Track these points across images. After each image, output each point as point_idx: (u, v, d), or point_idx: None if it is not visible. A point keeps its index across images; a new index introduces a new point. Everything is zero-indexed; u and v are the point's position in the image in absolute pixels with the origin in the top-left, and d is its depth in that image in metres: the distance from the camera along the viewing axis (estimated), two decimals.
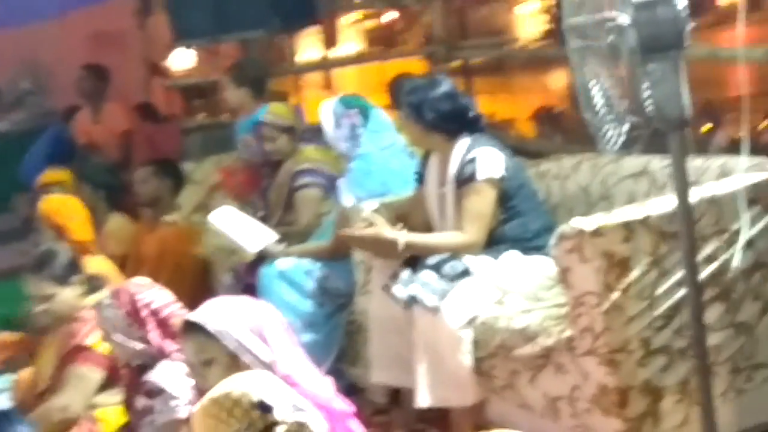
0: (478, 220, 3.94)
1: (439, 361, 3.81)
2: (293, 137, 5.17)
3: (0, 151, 8.05)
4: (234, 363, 2.86)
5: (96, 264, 4.94)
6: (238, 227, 4.83)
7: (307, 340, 4.40)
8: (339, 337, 4.65)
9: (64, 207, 5.20)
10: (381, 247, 4.01)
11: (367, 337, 4.28)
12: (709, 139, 5.92)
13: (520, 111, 9.14)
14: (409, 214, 4.29)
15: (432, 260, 3.86)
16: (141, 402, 3.50)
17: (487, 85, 10.17)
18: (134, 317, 3.55)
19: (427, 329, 3.81)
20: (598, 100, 2.96)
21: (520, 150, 4.59)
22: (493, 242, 3.97)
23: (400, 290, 3.87)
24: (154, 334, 3.53)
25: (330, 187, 4.94)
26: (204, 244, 5.56)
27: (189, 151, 7.62)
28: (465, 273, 3.82)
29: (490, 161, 3.97)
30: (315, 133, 4.91)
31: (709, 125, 6.20)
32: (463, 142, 4.06)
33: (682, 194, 2.89)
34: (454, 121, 4.09)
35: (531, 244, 3.97)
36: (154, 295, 3.61)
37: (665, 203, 3.36)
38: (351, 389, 4.24)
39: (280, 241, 4.82)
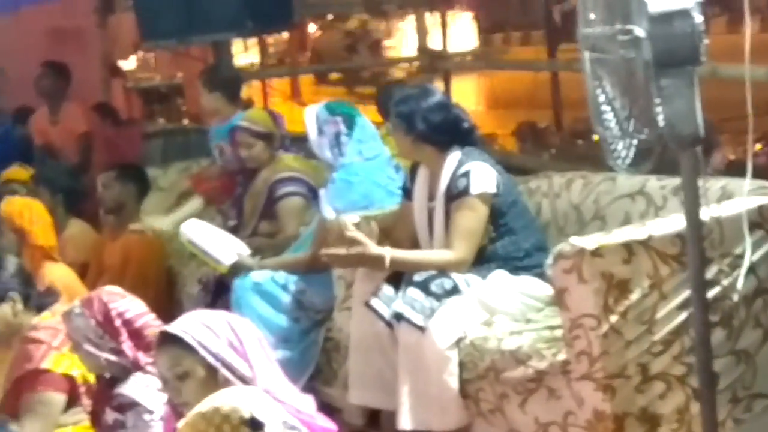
0: (468, 237, 3.83)
1: (424, 382, 3.70)
2: (271, 145, 5.02)
3: None
4: (210, 377, 2.78)
5: (58, 271, 4.84)
6: (210, 239, 4.69)
7: (280, 357, 4.25)
8: (315, 355, 4.52)
9: (27, 210, 5.05)
10: (366, 265, 3.90)
11: (345, 356, 4.16)
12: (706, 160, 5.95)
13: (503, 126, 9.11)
14: (392, 229, 4.20)
15: (419, 277, 3.75)
16: (111, 416, 3.38)
17: None
18: (106, 327, 3.43)
19: (412, 348, 3.70)
20: (608, 115, 2.87)
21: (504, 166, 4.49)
22: (483, 260, 3.87)
23: (382, 307, 3.75)
24: (127, 345, 3.41)
25: (311, 197, 4.83)
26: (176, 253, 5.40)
27: (150, 157, 7.42)
28: (453, 291, 3.72)
29: (484, 176, 3.86)
30: (295, 142, 4.78)
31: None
32: (455, 156, 3.94)
33: (693, 216, 2.83)
34: (445, 132, 3.96)
35: (522, 264, 3.88)
36: (128, 304, 3.50)
37: (667, 224, 3.32)
38: (325, 410, 4.08)
39: (253, 254, 4.69)
